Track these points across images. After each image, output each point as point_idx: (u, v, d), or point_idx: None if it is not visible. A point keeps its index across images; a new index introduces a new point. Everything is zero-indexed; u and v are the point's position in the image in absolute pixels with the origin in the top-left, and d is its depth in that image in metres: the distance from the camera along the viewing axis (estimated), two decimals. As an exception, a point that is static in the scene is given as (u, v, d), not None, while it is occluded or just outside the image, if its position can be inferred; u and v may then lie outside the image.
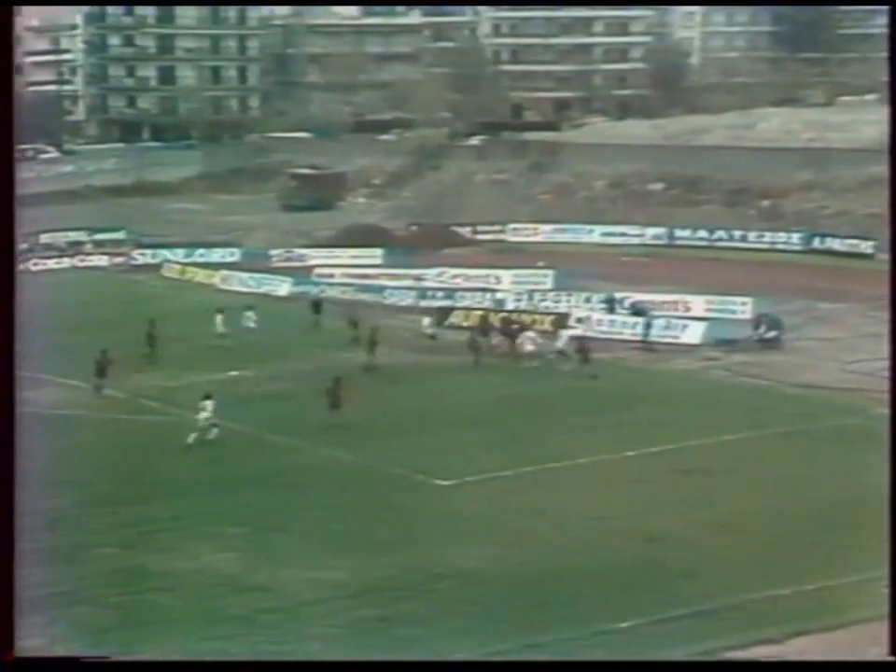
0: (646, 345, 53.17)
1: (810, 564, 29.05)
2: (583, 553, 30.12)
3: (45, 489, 34.92)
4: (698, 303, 58.14)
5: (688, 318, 55.67)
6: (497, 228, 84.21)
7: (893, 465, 18.85)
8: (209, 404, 38.60)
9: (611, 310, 57.27)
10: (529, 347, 49.67)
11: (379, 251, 75.73)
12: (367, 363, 47.50)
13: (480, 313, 57.58)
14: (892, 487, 18.76)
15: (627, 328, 55.03)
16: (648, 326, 54.32)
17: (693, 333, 53.88)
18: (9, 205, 15.75)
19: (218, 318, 53.04)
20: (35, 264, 77.01)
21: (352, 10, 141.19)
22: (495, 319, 55.63)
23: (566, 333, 51.03)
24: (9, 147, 15.74)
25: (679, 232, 79.64)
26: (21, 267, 77.86)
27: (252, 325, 53.85)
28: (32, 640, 25.65)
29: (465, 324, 56.37)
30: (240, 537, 30.90)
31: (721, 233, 78.05)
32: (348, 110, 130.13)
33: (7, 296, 15.63)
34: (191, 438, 38.05)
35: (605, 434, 39.38)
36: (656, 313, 56.54)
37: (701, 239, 78.74)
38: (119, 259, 78.14)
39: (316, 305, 57.95)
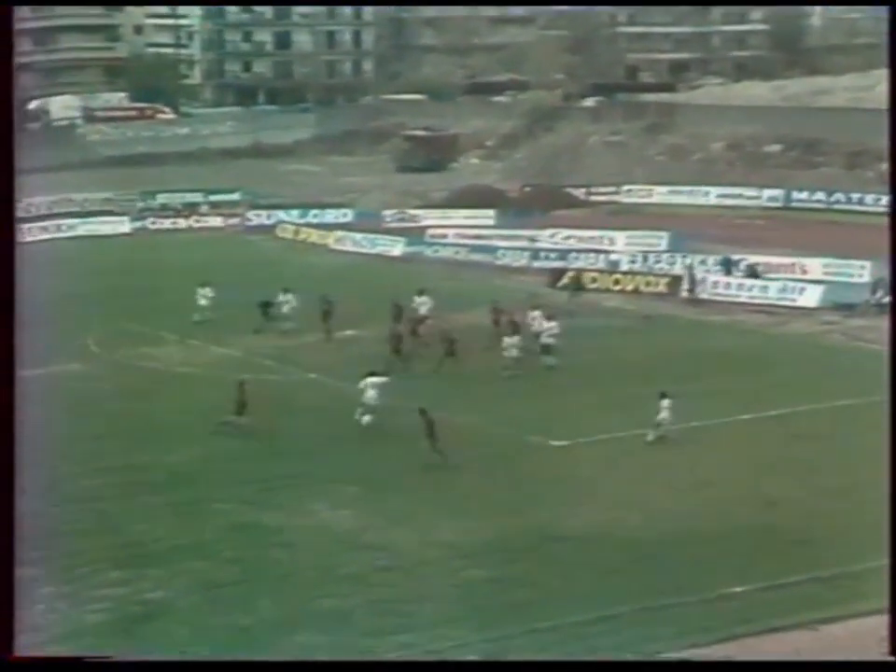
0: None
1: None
2: (697, 518, 29.95)
3: (167, 444, 35.63)
4: (815, 266, 57.48)
5: (805, 281, 55.07)
6: (611, 189, 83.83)
7: (893, 457, 18.43)
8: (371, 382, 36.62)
9: (728, 272, 56.81)
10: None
11: (492, 212, 75.68)
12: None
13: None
14: (892, 481, 18.34)
15: (744, 290, 54.66)
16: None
17: (810, 297, 53.28)
18: (9, 192, 15.89)
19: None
20: (153, 223, 78.25)
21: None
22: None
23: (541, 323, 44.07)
24: (9, 132, 15.88)
25: (796, 195, 78.63)
26: (138, 225, 79.55)
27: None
28: (153, 594, 26.25)
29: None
30: (356, 495, 31.14)
31: (838, 196, 76.88)
32: (462, 72, 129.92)
33: (6, 272, 15.77)
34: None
35: (720, 397, 39.08)
36: (772, 275, 56.12)
37: (818, 201, 77.67)
38: (234, 221, 78.96)
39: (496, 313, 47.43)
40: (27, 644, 23.36)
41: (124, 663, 16.92)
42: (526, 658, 22.50)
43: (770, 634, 24.00)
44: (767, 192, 79.38)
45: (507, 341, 42.70)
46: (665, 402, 35.29)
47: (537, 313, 45.51)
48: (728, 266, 57.23)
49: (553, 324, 43.86)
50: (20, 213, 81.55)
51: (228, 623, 24.73)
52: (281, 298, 48.94)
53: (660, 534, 28.94)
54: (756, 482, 32.34)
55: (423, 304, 48.25)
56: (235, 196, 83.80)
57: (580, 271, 58.54)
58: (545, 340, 43.53)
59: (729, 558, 27.58)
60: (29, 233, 73.44)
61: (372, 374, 36.86)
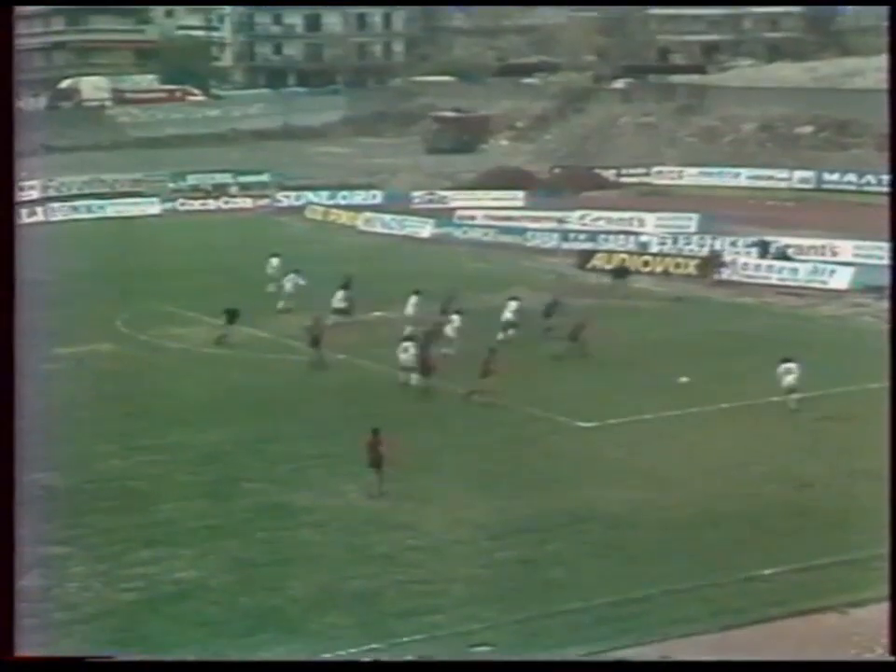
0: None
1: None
2: (727, 499, 29.86)
3: (198, 424, 35.71)
4: (846, 248, 57.22)
5: (836, 263, 54.82)
6: (641, 171, 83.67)
7: (893, 449, 18.16)
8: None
9: (762, 254, 56.57)
10: None
11: (521, 194, 75.62)
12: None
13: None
14: (892, 473, 18.09)
15: (774, 272, 54.45)
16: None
17: (841, 279, 53.04)
18: (10, 183, 15.84)
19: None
20: (183, 204, 78.39)
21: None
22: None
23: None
24: (10, 132, 15.86)
25: (827, 176, 78.34)
26: (168, 206, 79.82)
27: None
28: (186, 572, 26.29)
29: (608, 266, 56.18)
30: (385, 476, 31.12)
31: (869, 177, 76.44)
32: (492, 54, 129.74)
33: (6, 258, 15.74)
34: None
35: (750, 379, 38.94)
36: (803, 257, 55.91)
37: (849, 183, 77.37)
38: (263, 202, 79.07)
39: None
40: (59, 621, 23.54)
41: (124, 663, 16.94)
42: (551, 642, 22.56)
43: (800, 616, 23.90)
44: (798, 174, 79.15)
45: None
46: (787, 367, 35.79)
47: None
48: (763, 248, 57.01)
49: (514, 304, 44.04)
50: (50, 192, 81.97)
51: (258, 602, 24.75)
52: (287, 277, 48.59)
53: (691, 515, 28.87)
54: (787, 464, 32.23)
55: (338, 300, 46.16)
56: (264, 177, 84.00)
57: (610, 252, 58.48)
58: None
59: (760, 540, 27.48)
60: (59, 213, 73.73)
61: (408, 339, 38.70)
